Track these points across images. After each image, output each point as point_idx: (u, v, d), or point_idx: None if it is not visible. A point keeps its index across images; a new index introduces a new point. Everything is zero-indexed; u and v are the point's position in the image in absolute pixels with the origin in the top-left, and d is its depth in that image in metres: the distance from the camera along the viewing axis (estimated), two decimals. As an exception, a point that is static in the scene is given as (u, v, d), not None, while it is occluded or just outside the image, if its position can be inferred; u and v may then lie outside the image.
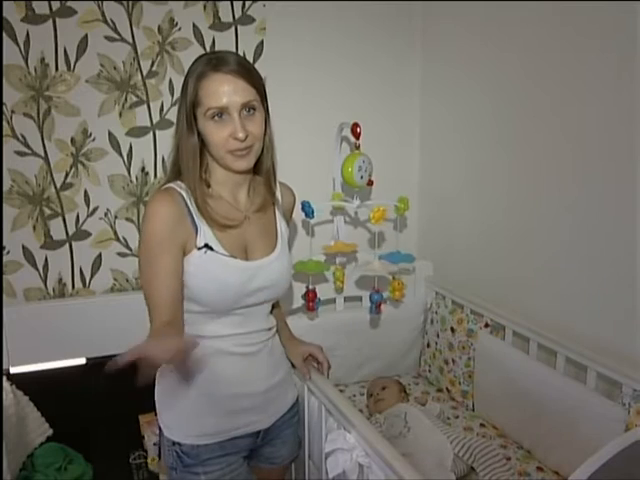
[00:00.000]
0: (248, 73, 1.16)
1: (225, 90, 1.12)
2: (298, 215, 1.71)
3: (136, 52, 1.83)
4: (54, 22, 1.73)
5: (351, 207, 1.73)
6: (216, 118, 1.13)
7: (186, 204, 1.17)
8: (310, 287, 1.74)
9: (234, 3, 1.92)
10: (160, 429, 1.30)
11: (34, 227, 1.83)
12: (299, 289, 1.84)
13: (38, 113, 1.76)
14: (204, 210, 1.18)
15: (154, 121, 1.90)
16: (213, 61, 1.14)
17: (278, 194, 1.36)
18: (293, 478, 1.61)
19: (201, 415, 1.24)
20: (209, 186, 1.24)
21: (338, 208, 1.84)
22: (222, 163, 1.19)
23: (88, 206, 1.88)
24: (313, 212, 1.64)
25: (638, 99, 1.40)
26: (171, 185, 1.20)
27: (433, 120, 2.21)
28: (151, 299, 1.14)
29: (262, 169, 1.28)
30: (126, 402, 1.76)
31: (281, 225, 1.34)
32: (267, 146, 1.25)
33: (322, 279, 1.97)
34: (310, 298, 1.75)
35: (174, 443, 1.25)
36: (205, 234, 1.18)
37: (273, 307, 1.40)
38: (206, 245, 1.17)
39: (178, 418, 1.26)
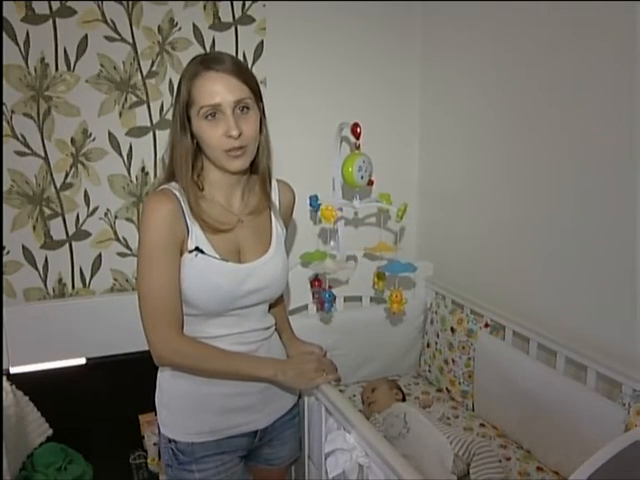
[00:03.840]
0: (241, 72, 1.16)
1: (218, 88, 1.12)
2: (305, 206, 1.70)
3: (136, 52, 1.83)
4: (54, 22, 1.73)
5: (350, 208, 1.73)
6: (209, 117, 1.13)
7: (180, 204, 1.17)
8: (315, 275, 1.79)
9: (234, 3, 1.92)
10: (159, 428, 1.30)
11: (34, 227, 1.83)
12: (301, 287, 1.83)
13: (38, 113, 1.76)
14: (196, 211, 1.18)
15: (154, 121, 1.90)
16: (206, 60, 1.15)
17: (275, 194, 1.35)
18: (293, 478, 1.61)
19: (197, 413, 1.25)
20: (202, 189, 1.23)
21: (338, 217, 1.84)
22: (218, 164, 1.19)
23: (88, 206, 1.88)
24: (319, 206, 1.66)
25: (638, 100, 1.40)
26: (165, 186, 1.20)
27: (433, 120, 2.21)
28: (154, 302, 1.14)
29: (258, 170, 1.28)
30: (126, 402, 1.77)
31: (276, 226, 1.32)
32: (263, 147, 1.25)
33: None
34: (315, 286, 1.78)
35: (170, 440, 1.26)
36: (197, 237, 1.18)
37: (274, 305, 1.39)
38: (197, 248, 1.17)
39: (174, 415, 1.26)
